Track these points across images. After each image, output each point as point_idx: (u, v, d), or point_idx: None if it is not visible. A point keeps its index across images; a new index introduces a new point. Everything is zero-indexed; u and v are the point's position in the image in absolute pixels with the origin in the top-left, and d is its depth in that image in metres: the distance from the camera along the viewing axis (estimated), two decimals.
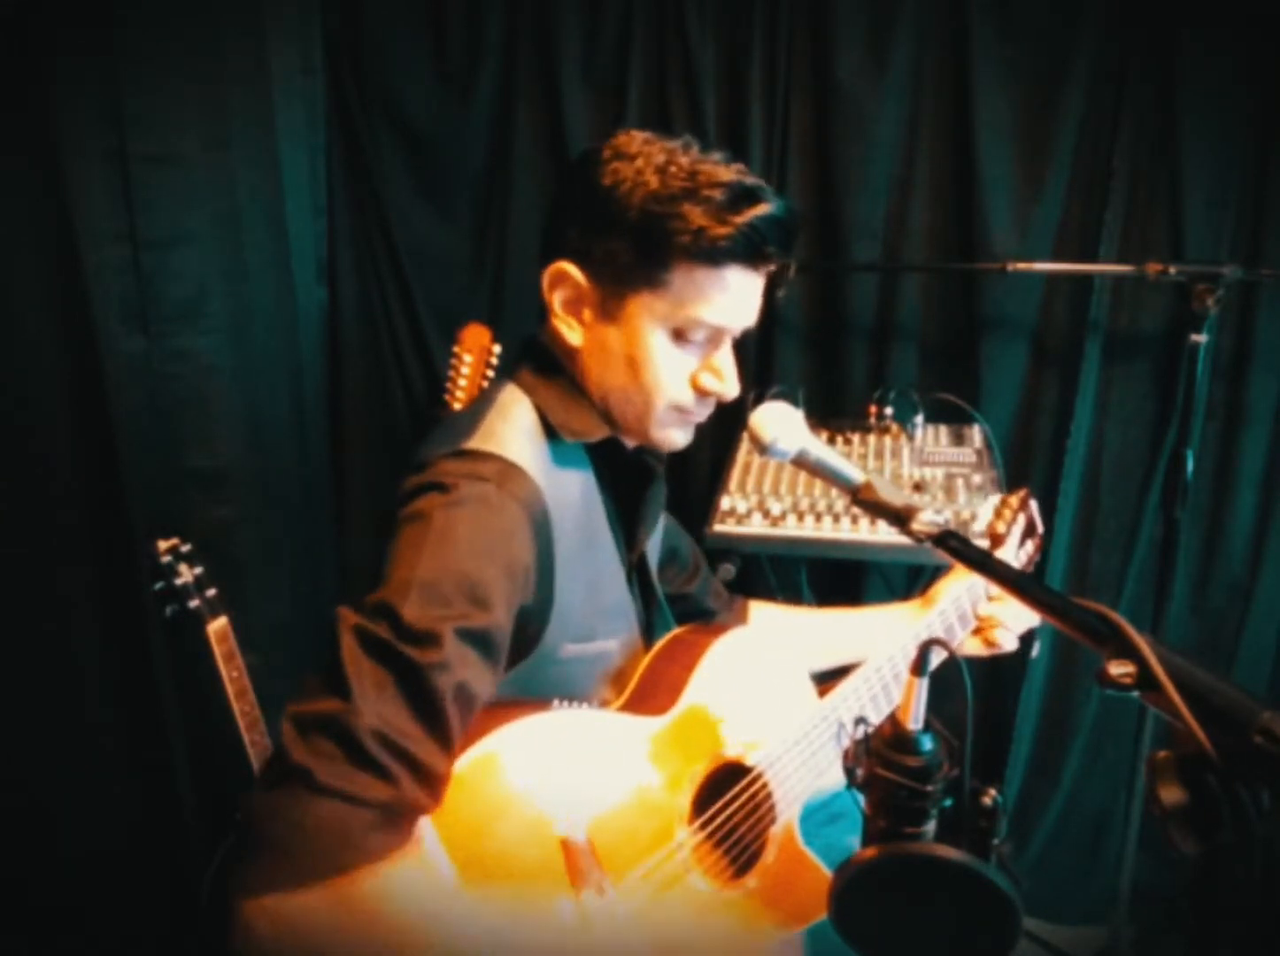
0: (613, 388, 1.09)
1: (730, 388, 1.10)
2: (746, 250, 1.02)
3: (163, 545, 1.69)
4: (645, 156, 1.02)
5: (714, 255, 1.01)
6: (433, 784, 0.89)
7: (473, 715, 0.94)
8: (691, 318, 1.04)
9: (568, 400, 1.11)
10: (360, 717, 0.84)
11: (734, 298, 1.05)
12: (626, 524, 1.22)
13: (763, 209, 1.01)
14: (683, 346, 1.07)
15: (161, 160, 1.73)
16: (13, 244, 1.57)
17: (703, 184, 1.00)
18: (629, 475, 1.21)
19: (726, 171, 1.02)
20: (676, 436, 1.13)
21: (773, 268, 1.07)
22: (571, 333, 1.08)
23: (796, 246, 1.09)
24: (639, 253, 1.02)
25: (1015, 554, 1.36)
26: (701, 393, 1.10)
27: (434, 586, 0.91)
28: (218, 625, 1.72)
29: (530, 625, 1.04)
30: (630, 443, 1.18)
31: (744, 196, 1.01)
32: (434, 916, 0.86)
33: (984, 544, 1.35)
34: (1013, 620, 1.30)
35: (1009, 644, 1.32)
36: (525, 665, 1.06)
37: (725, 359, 1.10)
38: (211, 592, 1.72)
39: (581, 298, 1.07)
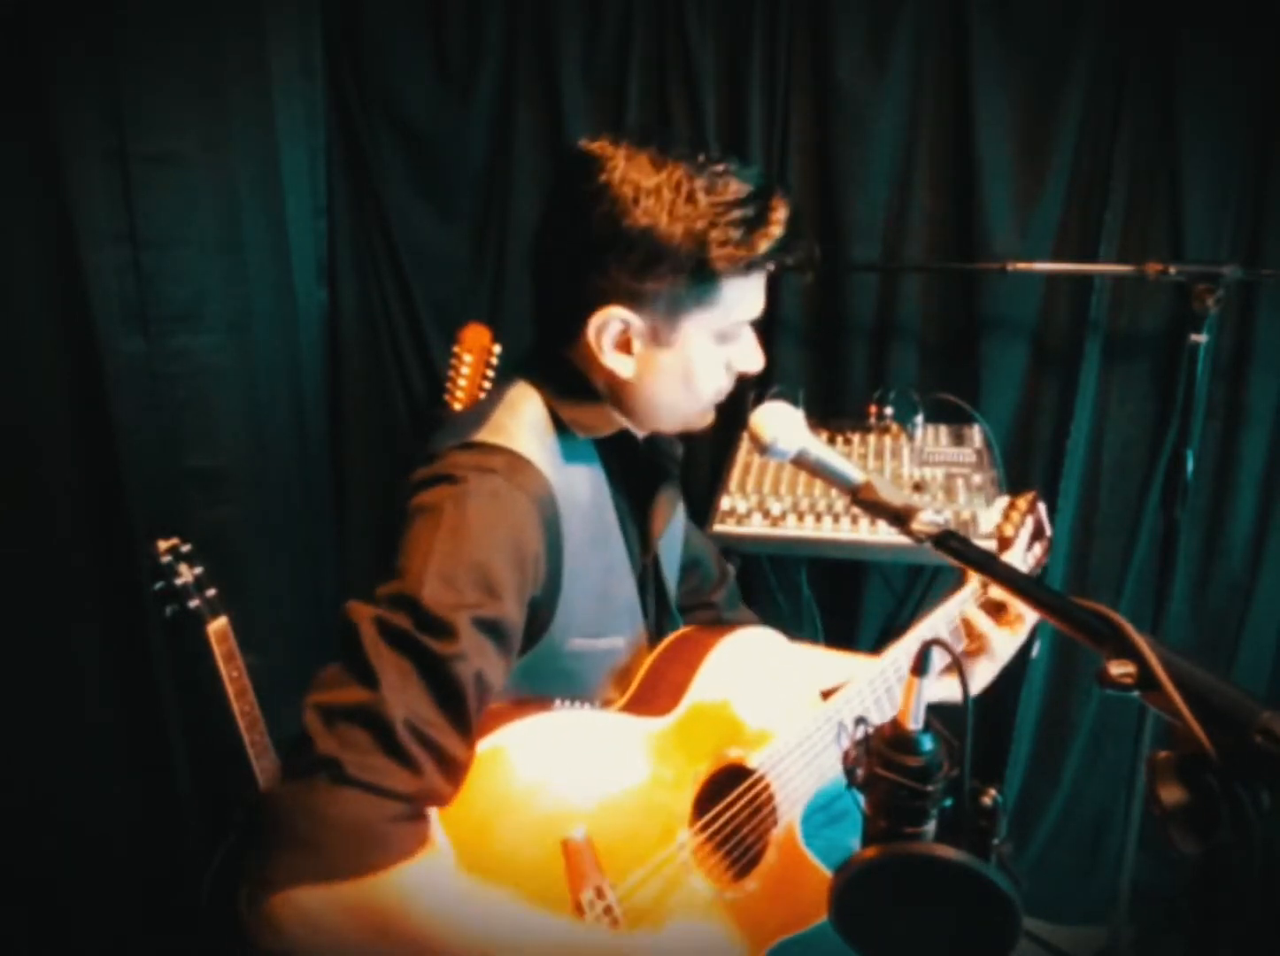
0: (664, 401, 1.11)
1: (758, 362, 1.14)
2: (781, 251, 1.05)
3: (163, 545, 1.69)
4: (667, 185, 1.01)
5: (757, 263, 1.04)
6: (454, 773, 0.90)
7: (487, 704, 0.95)
8: (738, 322, 1.09)
9: (581, 402, 1.11)
10: (390, 707, 0.85)
11: (761, 290, 1.10)
12: (639, 523, 1.22)
13: (782, 207, 1.04)
14: (723, 345, 1.10)
15: (161, 160, 1.73)
16: (13, 244, 1.57)
17: (732, 203, 1.02)
18: (641, 474, 1.21)
19: (738, 182, 1.03)
20: (709, 417, 1.17)
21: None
22: (623, 367, 1.08)
23: (805, 216, 1.11)
24: (690, 283, 1.03)
25: (1023, 557, 1.35)
26: (739, 377, 1.14)
27: (448, 577, 0.92)
28: (218, 625, 1.72)
29: (538, 616, 1.05)
30: (642, 434, 1.18)
31: (764, 201, 1.04)
32: (456, 918, 0.87)
33: (992, 546, 1.34)
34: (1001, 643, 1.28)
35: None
36: (532, 656, 1.06)
37: (749, 338, 1.13)
38: (211, 592, 1.72)
39: (630, 333, 1.07)
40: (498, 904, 0.91)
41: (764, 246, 1.03)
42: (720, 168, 1.04)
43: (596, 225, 1.02)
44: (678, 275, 1.02)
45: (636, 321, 1.05)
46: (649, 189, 1.01)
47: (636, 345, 1.07)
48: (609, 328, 1.06)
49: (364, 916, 0.83)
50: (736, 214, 1.01)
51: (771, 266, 1.07)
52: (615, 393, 1.12)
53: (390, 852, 0.84)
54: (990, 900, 0.70)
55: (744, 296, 1.07)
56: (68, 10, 1.56)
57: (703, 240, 1.01)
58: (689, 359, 1.08)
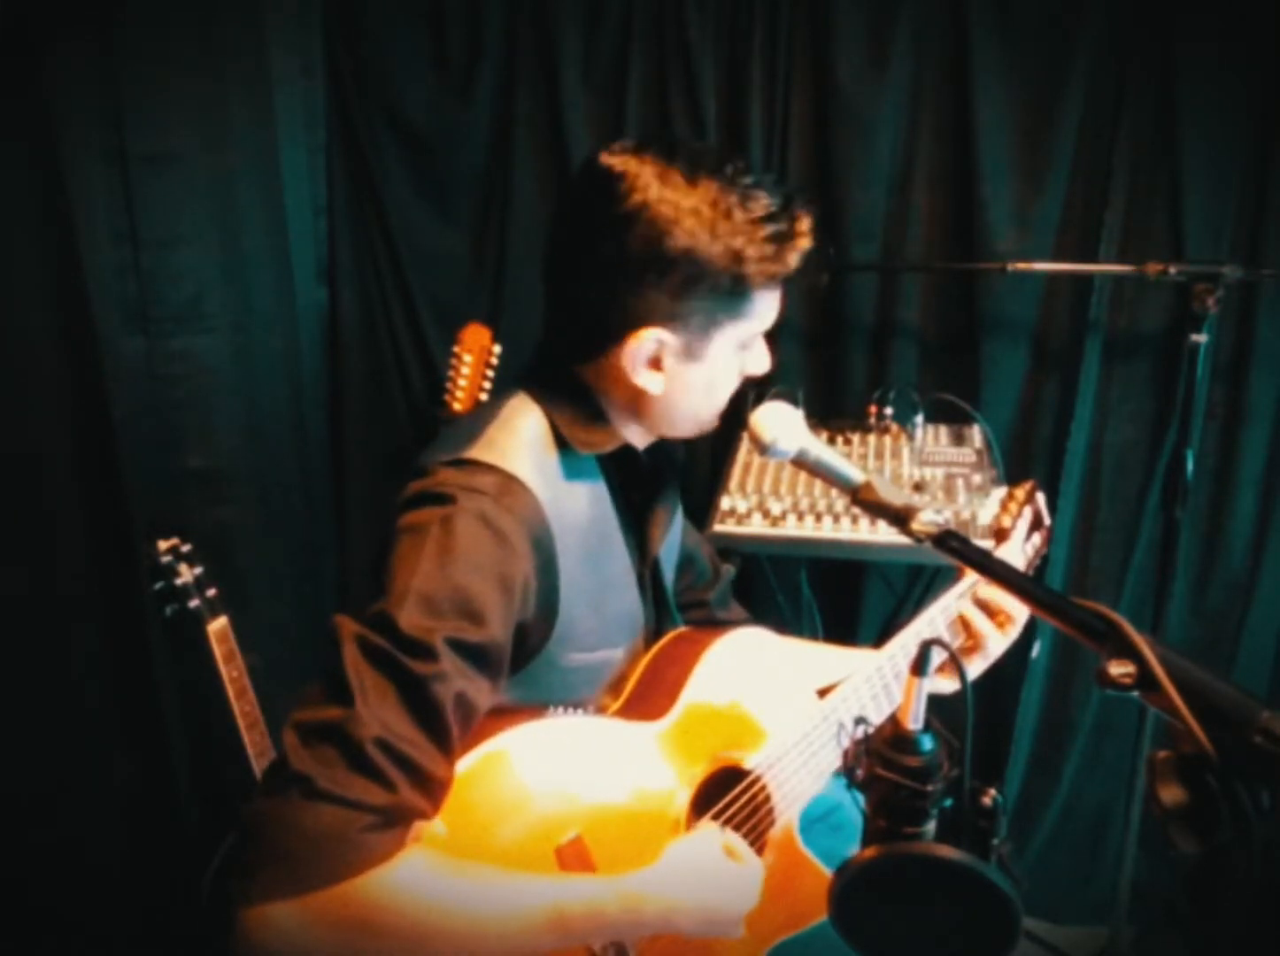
0: (684, 412, 1.11)
1: (769, 363, 1.15)
2: (804, 261, 1.05)
3: (163, 545, 1.69)
4: (702, 203, 1.00)
5: (782, 275, 1.05)
6: (432, 790, 0.89)
7: (472, 725, 0.94)
8: (759, 331, 1.10)
9: (585, 419, 1.10)
10: (362, 725, 0.85)
11: (779, 298, 1.10)
12: (639, 530, 1.21)
13: (806, 220, 1.04)
14: (743, 352, 1.10)
15: (161, 160, 1.73)
16: (13, 244, 1.57)
17: (764, 218, 1.01)
18: (641, 481, 1.20)
19: (766, 196, 1.02)
20: (716, 422, 1.17)
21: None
22: (654, 385, 1.07)
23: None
24: (727, 299, 1.03)
25: (1022, 548, 1.35)
26: (749, 379, 1.14)
27: (429, 599, 0.91)
28: (218, 625, 1.72)
29: (531, 638, 1.04)
30: (643, 445, 1.17)
31: (792, 214, 1.03)
32: (438, 908, 0.86)
33: (989, 539, 1.34)
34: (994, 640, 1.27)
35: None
36: (526, 671, 1.06)
37: (763, 342, 1.13)
38: (211, 592, 1.72)
39: (663, 350, 1.06)
40: (478, 881, 0.90)
41: (794, 260, 1.03)
42: (748, 180, 1.02)
43: (635, 246, 1.00)
44: (717, 294, 1.02)
45: (671, 340, 1.04)
46: (688, 209, 1.00)
47: (668, 362, 1.06)
48: (643, 348, 1.04)
49: (339, 922, 0.83)
50: (769, 229, 1.01)
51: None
52: (636, 407, 1.11)
53: (363, 859, 0.83)
54: (990, 900, 0.70)
55: (771, 306, 1.08)
56: (68, 10, 1.56)
57: (741, 257, 1.01)
58: (716, 370, 1.08)
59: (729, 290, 1.02)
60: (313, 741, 0.85)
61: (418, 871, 0.87)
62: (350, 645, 0.89)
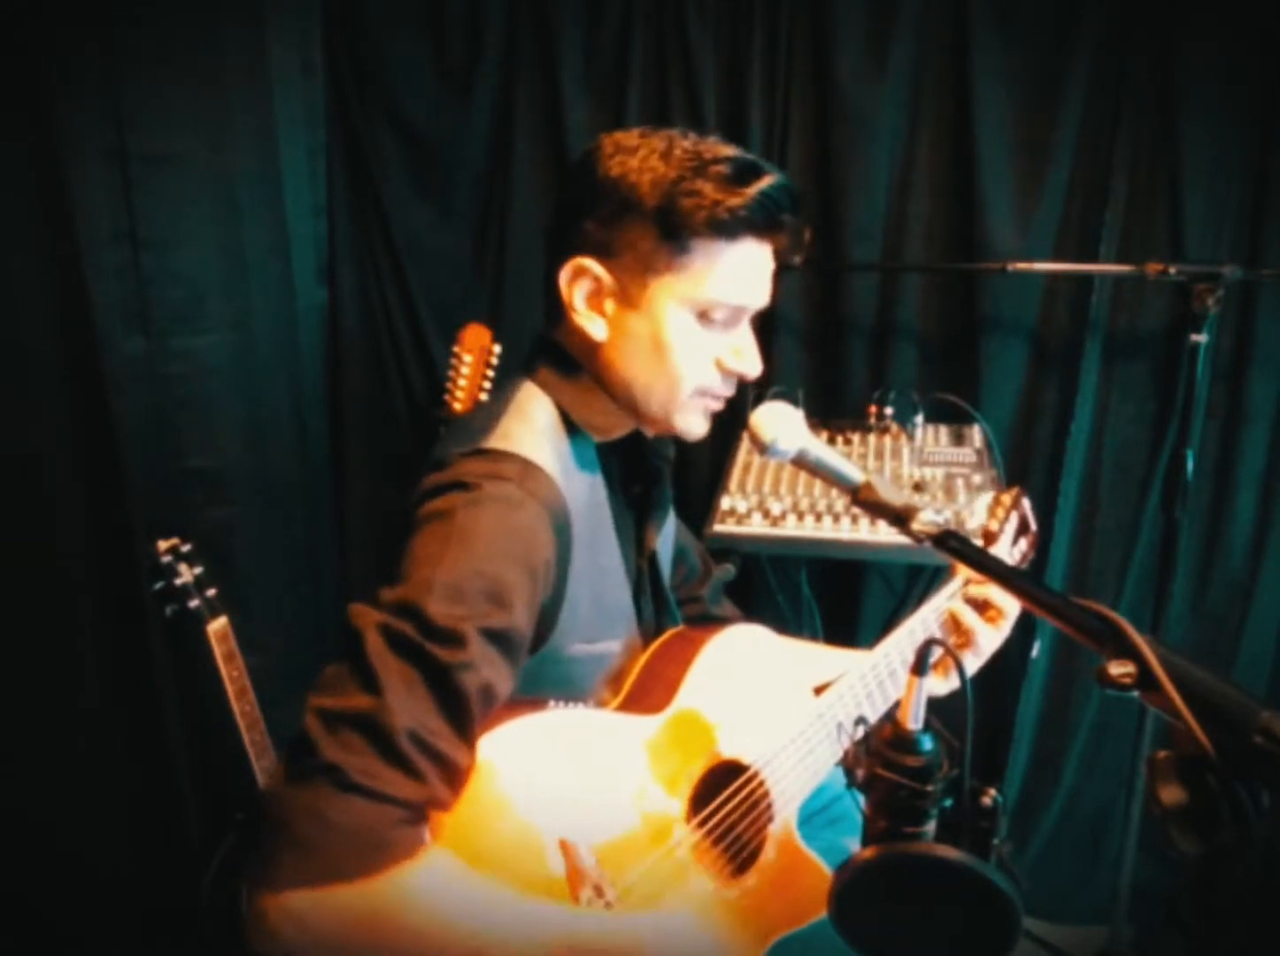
0: (638, 376, 1.08)
1: (754, 366, 1.10)
2: (762, 218, 1.03)
3: (163, 545, 1.69)
4: (646, 146, 1.03)
5: (731, 228, 1.02)
6: (457, 781, 0.90)
7: (492, 713, 0.94)
8: (713, 298, 1.05)
9: (589, 397, 1.11)
10: (393, 716, 0.84)
11: (751, 273, 1.06)
12: (637, 524, 1.22)
13: (770, 178, 1.02)
14: (706, 327, 1.06)
15: (161, 160, 1.73)
16: (13, 245, 1.57)
17: (708, 160, 1.01)
18: (641, 474, 1.21)
19: (726, 148, 1.03)
20: (697, 423, 1.13)
21: (783, 240, 1.08)
22: (594, 327, 1.07)
23: (805, 215, 1.09)
24: (658, 236, 1.02)
25: (1009, 552, 1.35)
26: (726, 373, 1.10)
27: (457, 586, 0.91)
28: (218, 625, 1.72)
29: (542, 623, 1.04)
30: (649, 433, 1.17)
31: (749, 168, 1.02)
32: (454, 912, 0.86)
33: (976, 543, 1.34)
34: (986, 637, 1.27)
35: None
36: (532, 661, 1.06)
37: (746, 338, 1.10)
38: (211, 592, 1.72)
39: (602, 291, 1.06)
40: (496, 895, 0.90)
41: (733, 203, 1.00)
42: (711, 138, 1.04)
43: (576, 182, 1.06)
44: (645, 226, 1.02)
45: (606, 277, 1.04)
46: (629, 147, 1.03)
47: (608, 305, 1.06)
48: (580, 281, 1.05)
49: (360, 918, 0.82)
50: (711, 170, 1.01)
51: (753, 240, 1.04)
52: (591, 363, 1.10)
53: (391, 855, 0.83)
54: (990, 900, 0.70)
55: (720, 268, 1.03)
56: (68, 10, 1.56)
57: (670, 192, 1.00)
58: (659, 326, 1.05)
59: (661, 227, 1.01)
60: (340, 730, 0.84)
61: (440, 875, 0.86)
62: (373, 633, 0.88)
